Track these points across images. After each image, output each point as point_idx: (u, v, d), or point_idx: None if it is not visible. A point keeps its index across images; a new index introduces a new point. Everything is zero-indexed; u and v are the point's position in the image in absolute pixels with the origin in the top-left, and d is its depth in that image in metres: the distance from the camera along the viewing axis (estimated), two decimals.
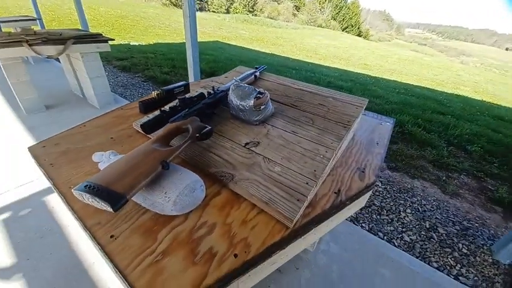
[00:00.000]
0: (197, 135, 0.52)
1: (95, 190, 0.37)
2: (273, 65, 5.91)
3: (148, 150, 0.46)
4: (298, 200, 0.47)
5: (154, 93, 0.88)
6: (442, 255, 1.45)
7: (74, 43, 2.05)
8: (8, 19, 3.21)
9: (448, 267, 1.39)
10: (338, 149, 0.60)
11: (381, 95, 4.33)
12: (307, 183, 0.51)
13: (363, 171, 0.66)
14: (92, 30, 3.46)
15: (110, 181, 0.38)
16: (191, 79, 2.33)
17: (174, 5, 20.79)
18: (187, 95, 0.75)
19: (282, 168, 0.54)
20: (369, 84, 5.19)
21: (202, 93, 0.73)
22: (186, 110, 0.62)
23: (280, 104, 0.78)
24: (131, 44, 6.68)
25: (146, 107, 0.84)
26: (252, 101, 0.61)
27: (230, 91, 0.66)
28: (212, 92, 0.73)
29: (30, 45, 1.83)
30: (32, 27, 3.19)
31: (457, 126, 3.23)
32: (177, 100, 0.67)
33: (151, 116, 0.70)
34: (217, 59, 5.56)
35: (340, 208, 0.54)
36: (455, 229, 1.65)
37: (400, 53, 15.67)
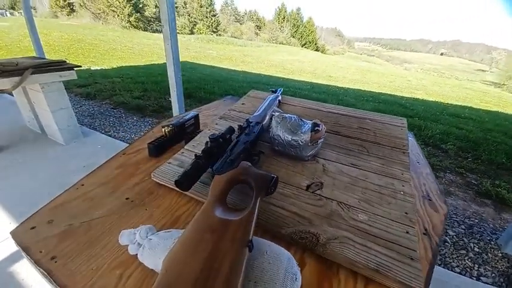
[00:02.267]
0: (265, 189, 0.40)
1: None
2: (248, 81, 5.95)
3: (216, 225, 0.33)
4: (411, 258, 0.37)
5: (164, 130, 0.74)
6: (460, 258, 1.46)
7: (32, 73, 1.76)
8: None
9: (469, 270, 1.40)
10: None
11: (353, 104, 4.58)
12: (407, 232, 0.41)
13: (430, 199, 0.59)
14: (48, 56, 3.09)
15: None
16: (175, 104, 2.17)
17: (135, 27, 20.33)
18: (217, 132, 0.63)
19: (368, 215, 0.44)
20: (339, 95, 5.49)
21: (231, 128, 0.61)
22: (228, 153, 0.50)
23: None
24: (92, 68, 6.21)
25: (158, 148, 0.69)
26: (308, 135, 0.52)
27: (274, 124, 0.56)
28: (245, 125, 0.62)
29: None
30: None
31: (427, 128, 3.51)
32: (207, 141, 0.54)
33: (172, 166, 0.56)
34: (190, 79, 5.41)
35: (437, 254, 0.46)
36: (462, 229, 1.69)
37: (355, 64, 17.21)
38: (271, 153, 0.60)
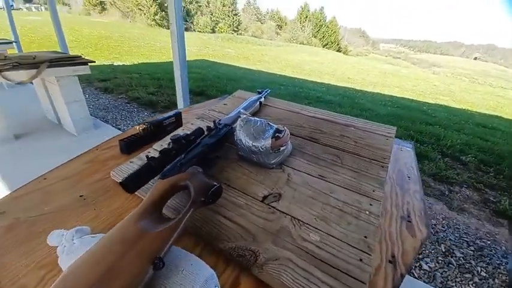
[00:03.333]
0: (202, 198, 0.37)
1: None
2: (261, 81, 5.92)
3: (130, 237, 0.30)
4: None
5: (139, 128, 0.73)
6: (464, 282, 1.33)
7: (48, 66, 1.86)
8: None
9: None
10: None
11: (369, 108, 4.38)
12: (361, 260, 0.36)
13: (409, 221, 0.52)
14: (74, 51, 3.29)
15: None
16: (179, 101, 2.19)
17: (159, 25, 21.05)
18: (181, 132, 0.61)
19: (321, 236, 0.39)
20: (356, 98, 5.27)
21: (200, 129, 0.59)
22: (182, 156, 0.47)
23: (295, 137, 0.65)
24: (115, 64, 6.51)
25: (129, 146, 0.68)
26: (269, 142, 0.48)
27: (238, 128, 0.52)
28: (213, 127, 0.59)
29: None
30: (8, 50, 2.96)
31: (447, 137, 3.27)
32: (169, 140, 0.51)
33: (132, 165, 0.54)
34: (205, 77, 5.49)
35: (399, 285, 0.40)
36: (471, 250, 1.54)
37: (378, 67, 16.49)
38: (237, 158, 0.57)
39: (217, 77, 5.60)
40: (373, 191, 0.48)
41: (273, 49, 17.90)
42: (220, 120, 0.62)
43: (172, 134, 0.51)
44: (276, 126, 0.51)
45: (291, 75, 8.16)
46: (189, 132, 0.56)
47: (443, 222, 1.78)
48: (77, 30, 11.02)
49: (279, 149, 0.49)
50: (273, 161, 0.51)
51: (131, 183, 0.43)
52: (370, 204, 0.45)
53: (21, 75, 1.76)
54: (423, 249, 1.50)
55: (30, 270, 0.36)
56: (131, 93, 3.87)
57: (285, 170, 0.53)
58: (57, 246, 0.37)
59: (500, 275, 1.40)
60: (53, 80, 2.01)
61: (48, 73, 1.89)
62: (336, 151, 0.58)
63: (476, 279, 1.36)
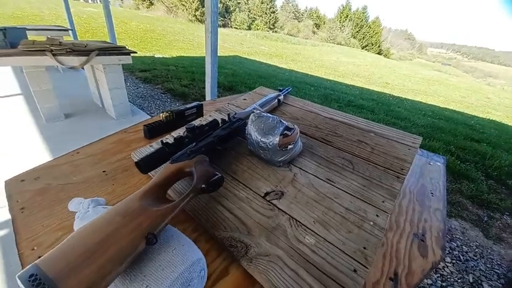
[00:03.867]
0: (203, 185, 0.39)
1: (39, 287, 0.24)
2: (292, 80, 5.84)
3: (132, 211, 0.33)
4: None
5: (162, 115, 0.78)
6: None
7: (97, 55, 2.07)
8: (39, 27, 3.40)
9: None
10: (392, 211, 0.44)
11: (406, 117, 4.05)
12: (355, 271, 0.35)
13: (423, 240, 0.48)
14: (121, 42, 3.60)
15: (64, 272, 0.25)
16: (208, 93, 2.27)
17: (200, 21, 21.88)
18: (196, 122, 0.63)
19: (317, 239, 0.39)
20: (392, 105, 4.92)
21: (215, 121, 0.61)
22: (193, 144, 0.50)
23: (308, 138, 0.63)
24: (156, 56, 6.96)
25: (152, 131, 0.73)
26: (277, 139, 0.48)
27: (249, 122, 0.53)
28: (227, 120, 0.60)
29: (54, 55, 1.85)
30: (64, 37, 3.36)
31: (495, 157, 2.89)
32: (184, 128, 0.54)
33: (150, 149, 0.58)
34: (236, 73, 5.59)
35: None
36: (500, 283, 1.36)
37: (423, 73, 15.14)
38: (247, 152, 0.58)
39: (248, 74, 5.66)
40: (383, 201, 0.45)
41: (307, 48, 17.50)
42: (235, 114, 0.63)
43: (188, 123, 0.54)
44: (286, 123, 0.50)
45: (323, 76, 7.91)
46: (204, 123, 0.59)
47: (477, 250, 1.59)
48: (126, 23, 11.99)
49: (287, 147, 0.48)
50: (280, 159, 0.51)
51: (145, 165, 0.47)
52: (377, 215, 0.42)
53: (74, 60, 1.98)
54: (448, 276, 1.36)
55: (49, 231, 0.41)
56: (167, 84, 4.11)
57: (292, 169, 0.52)
58: (76, 212, 0.41)
59: None
60: (100, 67, 2.23)
61: (96, 60, 2.10)
62: (349, 156, 0.56)
63: None
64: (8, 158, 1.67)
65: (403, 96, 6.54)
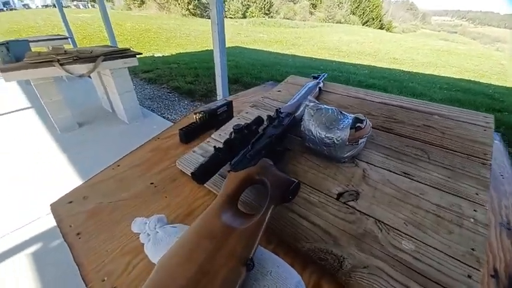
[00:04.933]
0: (281, 195, 0.34)
1: None
2: (296, 66, 5.67)
3: (217, 232, 0.29)
4: None
5: (196, 117, 0.73)
6: None
7: (103, 60, 2.02)
8: (40, 38, 3.37)
9: None
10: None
11: (421, 93, 3.89)
12: (469, 277, 0.30)
13: (509, 229, 0.43)
14: (120, 45, 3.53)
15: None
16: (219, 89, 2.20)
17: (193, 14, 21.39)
18: (242, 122, 0.58)
19: (416, 244, 0.34)
20: (404, 81, 4.73)
21: (260, 118, 0.56)
22: (249, 147, 0.45)
23: None
24: (155, 55, 6.86)
25: (188, 135, 0.69)
26: (346, 133, 0.42)
27: (306, 116, 0.48)
28: (275, 116, 0.55)
29: (61, 64, 1.82)
30: (64, 45, 3.32)
31: None
32: (231, 131, 0.50)
33: (196, 155, 0.54)
34: (239, 64, 5.46)
35: None
36: None
37: (430, 44, 14.47)
38: (302, 150, 0.53)
39: (251, 64, 5.52)
40: (477, 194, 0.39)
41: (307, 31, 16.93)
42: (280, 108, 0.58)
43: (235, 124, 0.49)
44: (352, 115, 0.45)
45: (328, 58, 7.66)
46: (249, 122, 0.54)
47: None
48: (121, 25, 11.82)
49: (358, 141, 0.43)
50: (346, 155, 0.46)
51: (201, 175, 0.43)
52: (475, 210, 0.37)
53: (81, 68, 1.94)
54: None
55: (115, 257, 0.38)
56: (172, 83, 4.06)
57: (359, 165, 0.47)
58: (139, 233, 0.38)
59: None
60: (108, 72, 2.18)
61: (103, 66, 2.06)
62: (419, 144, 0.50)
63: None
64: (33, 176, 1.68)
65: (414, 71, 6.28)
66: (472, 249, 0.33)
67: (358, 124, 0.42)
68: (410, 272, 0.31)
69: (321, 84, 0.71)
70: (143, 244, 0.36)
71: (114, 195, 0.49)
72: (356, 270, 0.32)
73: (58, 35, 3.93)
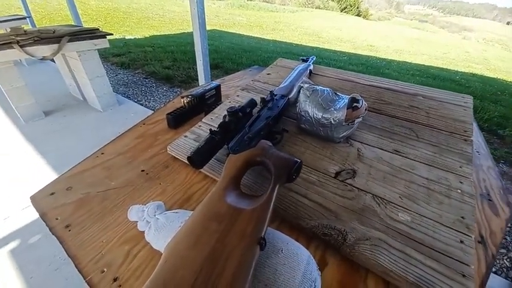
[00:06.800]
0: (285, 175, 0.34)
1: None
2: (278, 52, 5.60)
3: (224, 214, 0.28)
4: (463, 275, 0.30)
5: (183, 101, 0.69)
6: (498, 257, 1.32)
7: (69, 41, 1.82)
8: None
9: (505, 270, 1.26)
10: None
11: (397, 78, 4.04)
12: (461, 242, 0.33)
13: (490, 199, 0.48)
14: (85, 25, 3.19)
15: None
16: (200, 73, 2.11)
17: None
18: (236, 104, 0.56)
19: (411, 216, 0.36)
20: (381, 67, 4.90)
21: (253, 100, 0.54)
22: (246, 130, 0.44)
23: None
24: (126, 38, 6.35)
25: (176, 119, 0.65)
26: (343, 113, 0.43)
27: (302, 98, 0.47)
28: (268, 98, 0.54)
29: (21, 46, 1.61)
30: (23, 26, 2.93)
31: (484, 109, 3.02)
32: (225, 114, 0.48)
33: (188, 140, 0.52)
34: (218, 49, 5.26)
35: (491, 268, 0.37)
36: (508, 226, 1.50)
37: (403, 32, 15.02)
38: (296, 131, 0.53)
39: (231, 49, 5.35)
40: (461, 167, 0.43)
41: (287, 15, 16.65)
42: (274, 90, 0.57)
43: (229, 107, 0.47)
44: (348, 95, 0.45)
45: (308, 44, 7.65)
46: (243, 104, 0.52)
47: None
48: (85, 3, 10.67)
49: (354, 121, 0.44)
50: (342, 135, 0.46)
51: (199, 159, 0.41)
52: (461, 182, 0.40)
53: (44, 50, 1.74)
54: None
55: (113, 246, 0.36)
56: (147, 67, 3.81)
57: (354, 145, 0.48)
58: (137, 221, 0.36)
59: None
60: (75, 55, 1.98)
61: (69, 48, 1.86)
62: (407, 123, 0.52)
63: (511, 254, 1.35)
64: None
65: (389, 58, 6.53)
66: (462, 217, 0.36)
67: (355, 104, 0.43)
68: (408, 240, 0.33)
69: (311, 67, 0.70)
70: (143, 232, 0.35)
71: (102, 184, 0.46)
72: (359, 243, 0.33)
73: (15, 14, 3.45)
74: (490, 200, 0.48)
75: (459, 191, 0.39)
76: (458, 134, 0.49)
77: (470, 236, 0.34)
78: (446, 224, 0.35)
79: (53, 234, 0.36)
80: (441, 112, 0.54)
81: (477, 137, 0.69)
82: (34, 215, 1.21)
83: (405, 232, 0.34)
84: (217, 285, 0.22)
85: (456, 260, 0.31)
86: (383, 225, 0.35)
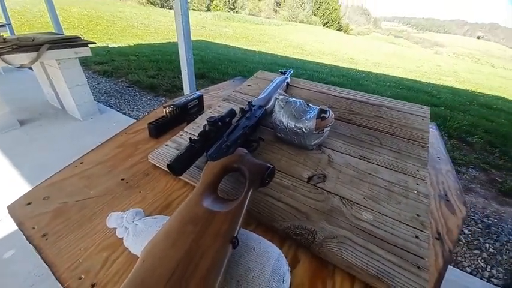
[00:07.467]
0: (259, 180, 0.37)
1: None
2: (263, 63, 5.76)
3: (201, 217, 0.30)
4: (418, 267, 0.33)
5: (166, 111, 0.71)
6: (473, 258, 1.39)
7: (48, 49, 1.79)
8: None
9: (480, 270, 1.34)
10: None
11: (374, 90, 4.31)
12: (417, 237, 0.37)
13: (448, 200, 0.53)
14: (66, 33, 3.12)
15: None
16: (186, 83, 2.13)
17: (152, 3, 19.95)
18: (215, 114, 0.59)
19: (373, 215, 0.40)
20: (360, 79, 5.18)
21: (233, 111, 0.57)
22: (224, 138, 0.47)
23: None
24: (110, 46, 6.25)
25: (158, 129, 0.67)
26: (313, 123, 0.47)
27: (277, 108, 0.51)
28: (247, 108, 0.57)
29: None
30: (2, 34, 2.82)
31: (453, 118, 3.26)
32: (205, 123, 0.50)
33: (169, 148, 0.54)
34: (205, 59, 5.32)
35: (449, 262, 0.41)
36: (479, 228, 1.60)
37: (381, 47, 16.02)
38: (273, 139, 0.56)
39: (217, 59, 5.42)
40: (418, 170, 0.48)
41: (272, 28, 17.22)
42: (252, 101, 0.60)
43: (209, 116, 0.50)
44: (318, 106, 0.49)
45: (292, 56, 7.93)
46: (222, 114, 0.55)
47: None
48: (66, 10, 10.44)
49: (323, 130, 0.48)
50: (313, 142, 0.50)
51: (179, 167, 0.43)
52: (417, 184, 0.45)
53: (22, 58, 1.69)
54: None
55: (91, 254, 0.36)
56: (131, 76, 3.76)
57: (325, 152, 0.52)
58: (115, 228, 0.37)
59: (508, 251, 1.46)
60: (54, 63, 1.94)
61: (48, 56, 1.82)
62: (373, 132, 0.58)
63: (484, 255, 1.43)
64: None
65: (367, 70, 6.90)
66: (417, 215, 0.40)
67: (323, 114, 0.47)
68: (370, 237, 0.37)
69: (289, 80, 0.75)
70: (121, 238, 0.35)
71: (80, 193, 0.46)
72: (327, 241, 0.37)
73: None
74: (448, 200, 0.53)
75: (415, 192, 0.44)
76: (416, 141, 0.54)
77: (425, 232, 0.38)
78: (403, 222, 0.39)
79: (30, 243, 0.36)
80: (402, 121, 0.60)
81: (438, 144, 0.77)
82: (8, 228, 1.14)
83: (368, 230, 0.38)
84: (192, 279, 0.24)
85: (412, 253, 0.35)
86: (348, 224, 0.39)
